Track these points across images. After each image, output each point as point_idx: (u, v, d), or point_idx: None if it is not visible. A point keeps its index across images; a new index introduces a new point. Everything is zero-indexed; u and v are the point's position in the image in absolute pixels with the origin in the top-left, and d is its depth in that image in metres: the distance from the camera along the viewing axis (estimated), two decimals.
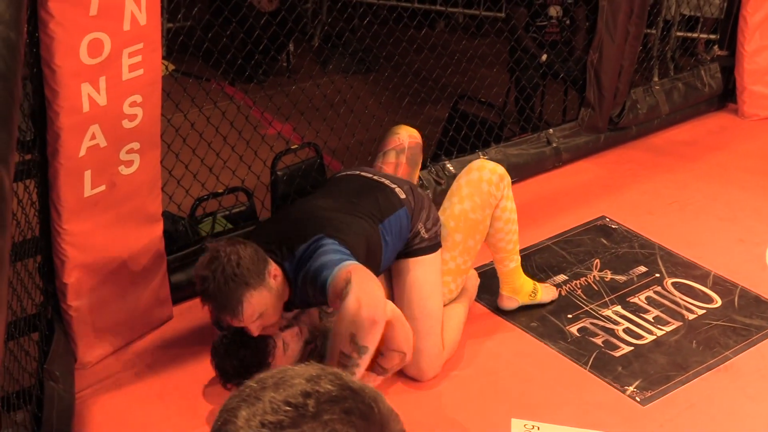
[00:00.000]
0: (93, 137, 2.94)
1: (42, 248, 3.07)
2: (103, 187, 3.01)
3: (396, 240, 3.10)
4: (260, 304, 2.80)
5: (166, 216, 3.46)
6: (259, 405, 0.98)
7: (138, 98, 3.01)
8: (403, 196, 3.18)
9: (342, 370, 1.05)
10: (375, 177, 3.30)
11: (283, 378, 1.01)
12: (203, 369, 3.18)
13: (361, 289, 2.74)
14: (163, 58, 3.54)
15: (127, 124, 3.01)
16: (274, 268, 2.88)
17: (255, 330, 2.86)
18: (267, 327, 2.92)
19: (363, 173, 3.35)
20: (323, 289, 2.79)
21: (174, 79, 4.61)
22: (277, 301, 2.90)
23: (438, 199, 4.12)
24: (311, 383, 0.99)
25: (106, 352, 3.19)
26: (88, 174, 2.96)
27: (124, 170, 3.06)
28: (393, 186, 3.22)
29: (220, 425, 1.00)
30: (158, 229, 3.28)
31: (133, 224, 3.16)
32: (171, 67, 5.49)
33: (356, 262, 2.81)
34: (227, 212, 3.97)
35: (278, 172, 4.19)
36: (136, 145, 3.06)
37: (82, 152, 2.92)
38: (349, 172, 3.43)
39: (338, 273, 2.76)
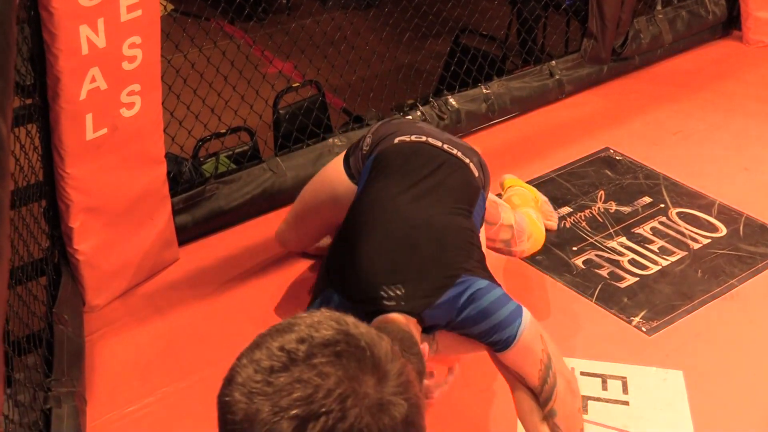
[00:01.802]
0: (93, 80, 2.91)
1: (46, 193, 3.07)
2: (105, 130, 2.99)
3: (480, 220, 2.69)
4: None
5: (169, 158, 3.44)
6: (258, 352, 1.01)
7: (137, 39, 2.97)
8: (476, 174, 2.72)
9: None
10: (446, 147, 2.71)
11: (289, 324, 1.04)
12: (211, 310, 3.23)
13: (563, 369, 2.44)
14: None
15: (127, 65, 2.97)
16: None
17: None
18: None
19: (430, 140, 2.73)
20: (504, 341, 2.32)
21: (173, 19, 4.59)
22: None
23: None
24: (311, 329, 1.01)
25: (113, 295, 3.20)
26: (89, 117, 2.94)
27: (126, 113, 3.04)
28: (467, 161, 2.71)
29: (229, 372, 1.03)
30: (162, 170, 3.27)
31: (136, 167, 3.15)
32: (170, 6, 5.46)
33: (528, 314, 2.36)
34: (230, 152, 3.96)
35: (280, 111, 4.20)
36: (137, 87, 3.03)
37: (83, 95, 2.89)
38: (413, 138, 2.73)
39: (526, 338, 2.31)
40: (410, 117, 4.14)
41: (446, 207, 2.48)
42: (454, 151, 2.70)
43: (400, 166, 2.60)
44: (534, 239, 3.20)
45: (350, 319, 1.05)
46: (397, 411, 0.98)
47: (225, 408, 1.00)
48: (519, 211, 3.16)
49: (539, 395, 2.37)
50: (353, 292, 2.31)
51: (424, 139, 2.71)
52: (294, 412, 0.94)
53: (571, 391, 2.45)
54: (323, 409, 0.94)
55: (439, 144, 2.70)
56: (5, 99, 1.21)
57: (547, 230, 3.56)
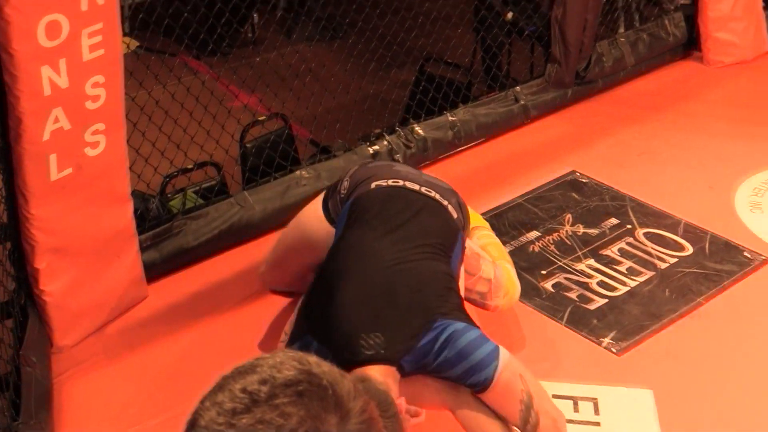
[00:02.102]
0: (56, 120, 2.91)
1: (10, 234, 3.04)
2: (69, 170, 2.98)
3: (457, 263, 2.65)
4: None
5: (136, 195, 3.44)
6: (221, 394, 1.01)
7: (100, 78, 2.97)
8: (455, 215, 2.72)
9: None
10: (423, 190, 2.69)
11: (251, 365, 1.04)
12: (181, 347, 3.20)
13: (546, 404, 2.43)
14: (125, 35, 3.50)
15: (90, 105, 2.97)
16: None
17: None
18: None
19: (407, 184, 2.69)
20: (482, 383, 2.31)
21: (137, 56, 4.58)
22: None
23: (408, 163, 4.12)
24: (273, 369, 1.02)
25: (81, 335, 3.17)
26: (53, 158, 2.93)
27: (90, 152, 3.03)
28: (445, 203, 2.70)
29: (192, 414, 1.04)
30: (128, 208, 3.25)
31: (102, 205, 3.13)
32: (134, 44, 5.45)
33: (506, 354, 2.35)
34: (197, 187, 3.96)
35: (247, 145, 4.21)
36: (101, 126, 3.03)
37: (46, 136, 2.88)
38: (389, 183, 2.69)
39: (504, 378, 2.30)
40: (386, 159, 4.13)
41: (424, 252, 2.47)
42: (432, 194, 2.68)
43: (378, 212, 2.58)
44: (510, 296, 3.14)
45: (312, 359, 1.05)
46: None
47: None
48: (498, 264, 3.13)
49: (520, 427, 2.37)
50: (332, 340, 2.29)
51: (401, 183, 2.68)
52: None
53: (556, 429, 2.44)
54: None
55: (417, 187, 2.68)
56: None
57: None
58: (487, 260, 3.03)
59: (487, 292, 2.97)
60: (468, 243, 2.87)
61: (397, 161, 2.99)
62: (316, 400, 0.99)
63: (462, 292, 2.63)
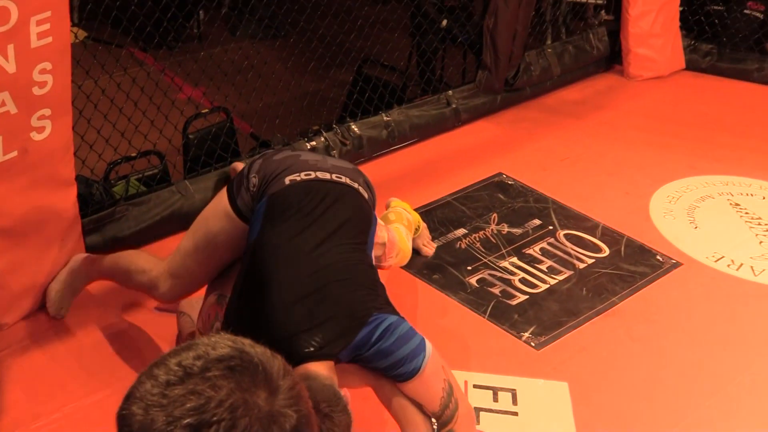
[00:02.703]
0: (3, 104, 2.87)
1: None
2: (15, 153, 2.95)
3: (372, 244, 2.61)
4: None
5: (80, 180, 3.41)
6: (157, 369, 1.01)
7: (48, 65, 2.95)
8: (366, 195, 2.64)
9: None
10: (335, 177, 2.59)
11: (189, 344, 1.04)
12: (119, 329, 3.19)
13: (462, 397, 2.45)
14: (74, 25, 3.47)
15: (37, 91, 2.94)
16: None
17: None
18: None
19: (319, 175, 2.58)
20: (405, 380, 2.33)
21: (84, 46, 4.54)
22: None
23: (344, 158, 4.13)
24: (208, 347, 1.02)
25: (22, 314, 3.14)
26: None
27: (36, 136, 3.00)
28: (356, 186, 2.61)
29: (129, 389, 1.03)
30: (72, 192, 3.22)
31: (46, 189, 3.11)
32: (82, 34, 5.39)
33: (431, 347, 2.35)
34: (140, 175, 3.94)
35: (189, 136, 4.19)
36: (47, 112, 3.00)
37: None
38: (302, 176, 2.56)
39: (429, 369, 2.32)
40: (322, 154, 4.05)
41: (346, 245, 2.41)
42: (343, 179, 2.59)
43: (297, 209, 2.45)
44: (402, 255, 3.18)
45: (246, 341, 1.06)
46: (288, 422, 0.99)
47: (122, 422, 0.99)
48: (391, 227, 3.15)
49: (438, 419, 2.39)
50: (271, 342, 2.22)
51: (313, 175, 2.55)
52: (186, 421, 0.94)
53: (470, 416, 2.48)
54: (214, 418, 0.94)
55: (328, 176, 2.57)
56: None
57: (423, 255, 3.65)
58: (380, 225, 2.96)
59: (382, 255, 2.95)
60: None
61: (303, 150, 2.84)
62: (247, 375, 0.99)
63: (388, 261, 2.72)
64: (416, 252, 3.62)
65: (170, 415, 0.95)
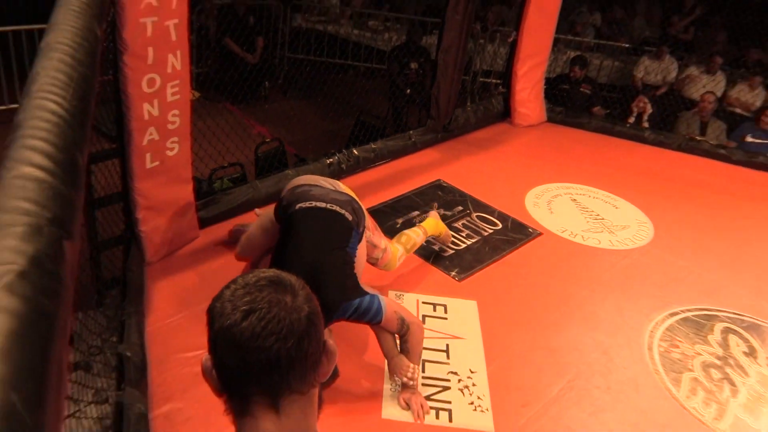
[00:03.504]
0: (151, 134, 2.90)
1: (123, 198, 3.03)
2: (157, 163, 2.98)
3: (356, 246, 2.54)
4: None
5: (195, 179, 3.41)
6: (233, 284, 0.98)
7: (177, 112, 2.97)
8: (350, 218, 2.52)
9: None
10: (329, 206, 2.52)
11: (250, 271, 1.02)
12: (219, 263, 3.18)
13: (412, 318, 2.44)
14: (193, 88, 3.49)
15: (170, 126, 2.97)
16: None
17: None
18: None
19: (319, 204, 2.52)
20: (377, 322, 2.37)
21: (198, 102, 4.54)
22: None
23: (347, 171, 4.14)
24: (260, 273, 1.00)
25: (162, 255, 3.17)
26: (148, 155, 2.93)
27: (169, 153, 3.03)
28: (342, 212, 2.52)
29: (216, 295, 1.00)
30: (190, 187, 3.24)
31: (175, 184, 3.13)
32: (197, 94, 5.42)
33: (383, 297, 2.40)
34: (230, 177, 3.95)
35: (259, 154, 4.21)
36: (176, 139, 3.02)
37: (145, 142, 2.88)
38: (307, 205, 2.51)
39: (387, 314, 2.36)
40: (336, 168, 4.07)
41: (331, 248, 2.39)
42: (335, 208, 2.51)
43: (301, 225, 2.44)
44: (388, 265, 2.98)
45: (283, 273, 1.02)
46: (303, 312, 0.96)
47: (209, 312, 0.98)
48: (389, 248, 2.99)
49: (398, 335, 2.42)
50: None
51: (314, 204, 2.50)
52: (243, 308, 0.93)
53: (418, 326, 2.45)
54: (259, 306, 0.93)
55: (324, 205, 2.51)
56: (84, 144, 1.19)
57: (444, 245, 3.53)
58: (385, 241, 2.94)
59: (379, 259, 2.89)
60: (371, 234, 2.78)
61: (319, 184, 2.72)
62: (281, 286, 0.97)
63: (364, 258, 2.63)
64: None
65: (234, 304, 0.94)
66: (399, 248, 3.06)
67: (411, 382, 2.47)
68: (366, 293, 2.36)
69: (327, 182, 2.71)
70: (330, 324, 2.40)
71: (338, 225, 2.49)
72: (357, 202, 2.64)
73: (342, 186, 2.75)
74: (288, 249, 2.39)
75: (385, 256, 2.91)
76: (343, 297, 2.30)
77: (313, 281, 2.23)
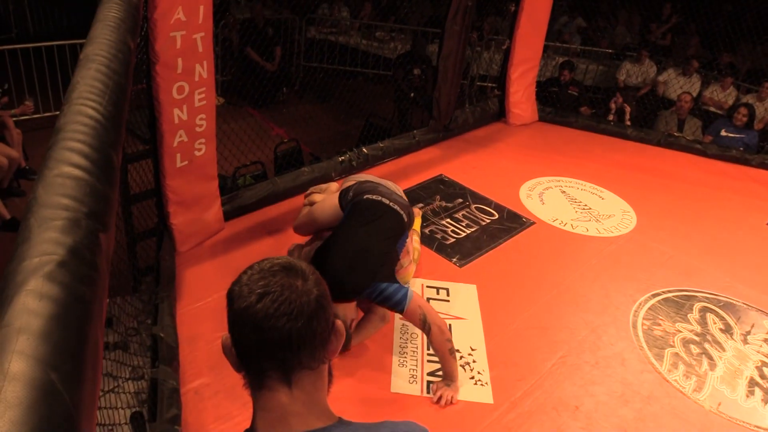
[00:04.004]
0: (180, 136, 2.90)
1: (156, 194, 3.04)
2: (186, 162, 2.98)
3: (402, 246, 2.55)
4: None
5: (220, 176, 3.42)
6: (250, 270, 0.98)
7: (203, 116, 2.96)
8: (405, 220, 2.53)
9: None
10: (391, 205, 2.51)
11: (266, 258, 1.01)
12: (242, 251, 3.17)
13: (435, 319, 2.36)
14: (217, 95, 3.49)
15: (198, 129, 2.96)
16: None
17: None
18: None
19: (383, 200, 2.52)
20: (399, 310, 2.35)
21: (223, 107, 4.54)
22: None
23: (357, 167, 4.11)
24: (274, 259, 0.99)
25: (191, 245, 3.17)
26: (178, 155, 2.93)
27: (197, 153, 3.02)
28: (401, 212, 2.52)
29: (235, 279, 0.99)
30: (215, 183, 3.24)
31: (202, 181, 3.12)
32: (221, 100, 5.43)
33: (413, 293, 2.36)
34: (251, 174, 3.95)
35: (278, 153, 4.20)
36: (203, 140, 3.02)
37: (175, 144, 2.88)
38: (372, 197, 2.52)
39: (411, 306, 2.32)
40: (347, 164, 4.06)
41: (384, 237, 2.41)
42: (396, 207, 2.50)
43: (363, 213, 2.46)
44: (409, 273, 2.91)
45: (294, 259, 1.01)
46: (312, 294, 0.95)
47: (228, 295, 0.97)
48: (413, 262, 2.99)
49: (422, 330, 2.36)
50: (326, 278, 2.23)
51: (378, 198, 2.51)
52: (258, 291, 0.93)
53: (439, 329, 2.35)
54: (273, 290, 0.93)
55: (387, 202, 2.50)
56: (118, 145, 1.19)
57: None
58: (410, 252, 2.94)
59: (406, 265, 2.83)
60: (409, 240, 2.81)
61: (384, 183, 2.68)
62: (292, 271, 0.96)
63: (401, 259, 2.62)
64: None
65: (250, 288, 0.94)
66: (414, 266, 3.03)
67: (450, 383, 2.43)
68: (397, 282, 2.35)
69: (390, 184, 2.74)
70: (359, 299, 2.40)
71: (395, 223, 2.48)
72: (411, 209, 2.62)
73: (401, 191, 2.76)
74: (346, 228, 2.41)
75: (408, 265, 2.87)
76: (375, 278, 2.31)
77: (357, 259, 2.31)
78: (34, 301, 0.71)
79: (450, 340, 2.38)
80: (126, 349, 2.29)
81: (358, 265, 2.30)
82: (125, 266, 2.87)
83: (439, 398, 2.38)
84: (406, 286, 2.38)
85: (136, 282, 2.80)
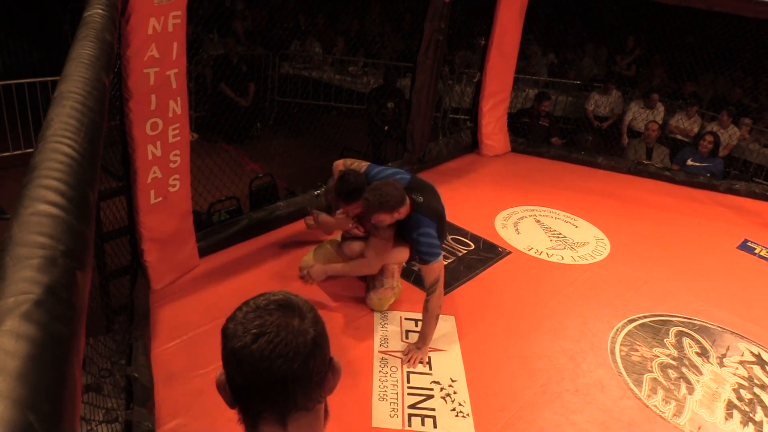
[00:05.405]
0: (155, 172, 2.88)
1: (129, 231, 3.00)
2: (160, 198, 2.96)
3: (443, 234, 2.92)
4: (390, 217, 2.70)
5: (195, 212, 3.37)
6: (245, 306, 0.96)
7: (177, 152, 2.95)
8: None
9: None
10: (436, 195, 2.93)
11: (263, 294, 0.99)
12: (219, 288, 3.13)
13: (441, 287, 2.67)
14: (192, 130, 3.48)
15: (172, 165, 2.95)
16: (405, 208, 2.69)
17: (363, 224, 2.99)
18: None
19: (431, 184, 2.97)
20: (423, 261, 2.68)
21: (197, 142, 4.53)
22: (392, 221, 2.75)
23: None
24: (270, 295, 0.97)
25: (166, 282, 3.12)
26: (152, 192, 2.91)
27: (172, 189, 3.00)
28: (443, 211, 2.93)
29: (230, 316, 0.97)
30: (190, 219, 3.21)
31: (177, 217, 3.10)
32: (195, 135, 5.42)
33: (442, 260, 2.71)
34: (226, 209, 3.92)
35: (252, 188, 4.18)
36: (177, 176, 3.01)
37: (149, 180, 2.86)
38: (424, 182, 2.96)
39: (435, 265, 2.65)
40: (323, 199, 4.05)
41: (438, 202, 2.85)
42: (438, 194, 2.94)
43: (418, 188, 2.83)
44: (385, 298, 3.13)
45: (292, 294, 0.99)
46: (309, 335, 0.93)
47: (224, 332, 0.95)
48: (394, 289, 3.16)
49: (427, 289, 2.67)
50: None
51: (430, 183, 2.97)
52: (253, 331, 0.91)
53: (440, 296, 2.68)
54: (268, 330, 0.91)
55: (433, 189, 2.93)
56: (94, 183, 1.18)
57: None
58: (393, 281, 3.13)
59: (387, 288, 3.11)
60: (398, 272, 3.13)
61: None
62: (289, 310, 0.94)
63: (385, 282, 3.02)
64: None
65: (245, 327, 0.92)
66: (393, 299, 3.16)
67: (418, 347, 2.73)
68: (438, 241, 2.72)
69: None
70: (401, 219, 2.71)
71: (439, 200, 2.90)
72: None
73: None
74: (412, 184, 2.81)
75: (387, 291, 3.07)
76: (438, 213, 2.75)
77: (426, 190, 2.78)
78: (10, 341, 0.70)
79: (440, 307, 2.71)
80: (99, 391, 2.23)
81: (436, 197, 2.81)
82: (98, 305, 2.81)
83: (410, 359, 2.68)
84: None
85: (109, 321, 2.75)
